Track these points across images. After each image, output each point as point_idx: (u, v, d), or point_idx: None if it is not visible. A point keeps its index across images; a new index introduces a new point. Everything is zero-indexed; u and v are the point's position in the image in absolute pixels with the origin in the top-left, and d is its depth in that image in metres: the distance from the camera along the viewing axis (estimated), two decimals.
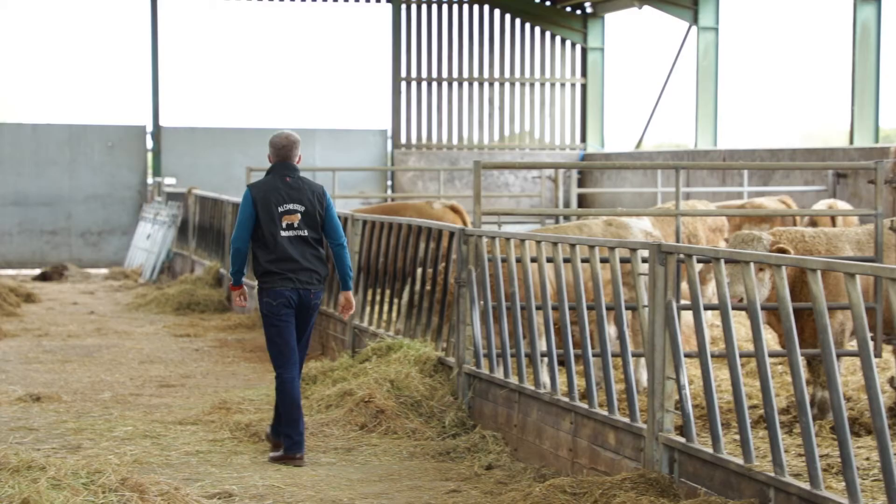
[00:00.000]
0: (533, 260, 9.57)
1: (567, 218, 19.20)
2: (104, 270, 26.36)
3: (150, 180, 28.68)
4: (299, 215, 9.59)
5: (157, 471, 8.81)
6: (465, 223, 16.16)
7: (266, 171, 9.86)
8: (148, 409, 11.36)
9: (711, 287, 9.91)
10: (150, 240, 25.32)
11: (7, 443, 9.60)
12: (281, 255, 9.51)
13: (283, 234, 9.53)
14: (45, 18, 28.97)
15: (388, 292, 12.66)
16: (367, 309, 13.07)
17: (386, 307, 12.65)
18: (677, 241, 12.27)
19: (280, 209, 9.56)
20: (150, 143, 28.84)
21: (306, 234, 9.58)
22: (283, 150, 9.79)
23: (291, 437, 9.37)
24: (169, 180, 28.10)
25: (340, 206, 24.89)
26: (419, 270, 11.82)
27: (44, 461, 7.73)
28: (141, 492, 7.45)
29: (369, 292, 13.12)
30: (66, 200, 28.39)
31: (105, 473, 7.54)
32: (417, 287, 11.78)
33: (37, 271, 26.05)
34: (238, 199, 20.03)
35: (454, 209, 16.96)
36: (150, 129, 28.82)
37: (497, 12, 30.21)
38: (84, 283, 24.03)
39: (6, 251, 28.08)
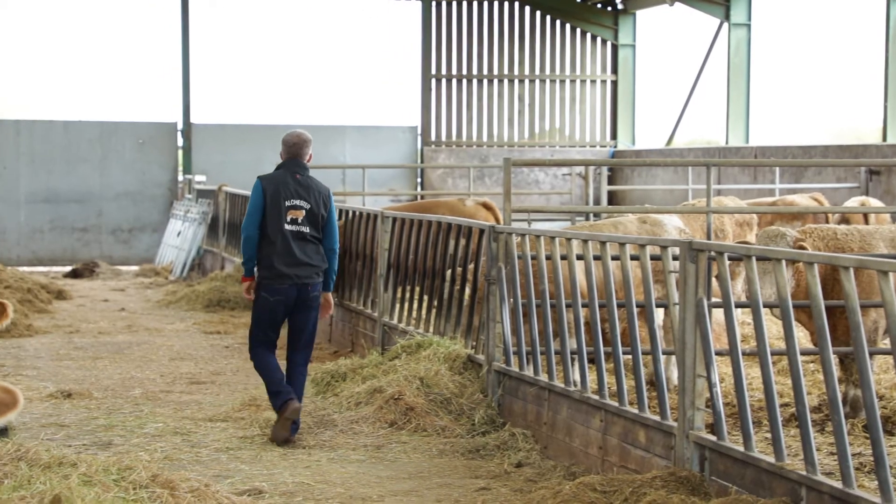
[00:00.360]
0: (563, 257, 9.54)
1: (597, 215, 19.12)
2: (135, 267, 26.46)
3: (180, 177, 28.76)
4: (304, 212, 9.92)
5: (188, 467, 8.83)
6: (497, 220, 16.09)
7: (276, 166, 10.24)
8: (178, 406, 11.38)
9: (740, 284, 9.86)
10: (180, 237, 25.39)
11: (38, 439, 9.63)
12: (283, 249, 9.84)
13: (287, 227, 9.87)
14: (77, 16, 29.09)
15: (417, 290, 12.65)
16: (397, 306, 13.06)
17: (415, 305, 12.64)
18: (708, 238, 12.23)
19: (287, 203, 9.90)
20: (180, 140, 28.92)
21: (308, 230, 9.92)
22: (294, 148, 10.21)
23: (281, 396, 9.80)
24: (199, 177, 28.19)
25: (370, 203, 24.94)
26: (448, 272, 11.80)
27: (75, 457, 7.76)
28: (171, 488, 7.47)
29: (399, 290, 13.10)
30: (97, 197, 28.49)
31: (136, 470, 7.55)
32: (447, 284, 11.76)
33: (68, 268, 26.17)
34: None
35: (486, 206, 16.90)
36: (180, 126, 28.90)
37: (527, 9, 30.16)
38: (115, 280, 24.12)
39: (38, 248, 28.21)
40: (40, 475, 7.10)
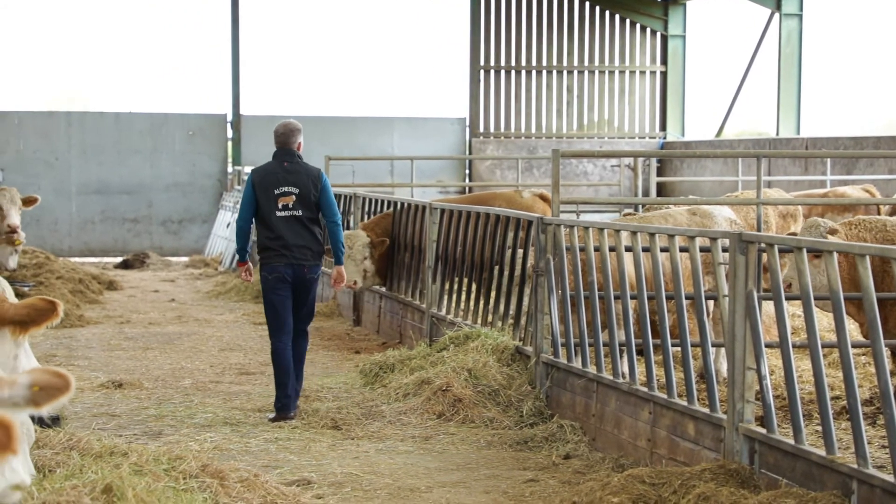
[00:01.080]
0: (612, 249, 9.51)
1: (646, 207, 19.05)
2: (184, 258, 26.61)
3: (230, 168, 28.88)
4: (294, 197, 10.58)
5: (237, 457, 8.87)
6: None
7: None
8: (228, 397, 11.44)
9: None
10: (229, 228, 25.50)
11: (90, 429, 9.70)
12: (276, 233, 10.56)
13: (279, 213, 10.58)
14: (129, 8, 29.26)
15: (465, 281, 12.64)
16: (445, 298, 13.06)
17: (464, 296, 12.63)
18: (758, 229, 12.15)
19: (276, 191, 10.58)
20: (230, 132, 29.04)
21: (300, 213, 10.59)
22: (282, 137, 10.74)
23: (280, 400, 10.46)
24: (249, 169, 28.28)
25: (418, 195, 24.94)
26: (496, 267, 11.80)
27: (126, 447, 7.81)
28: (221, 478, 7.51)
29: (447, 281, 13.11)
30: (147, 189, 28.68)
31: (186, 460, 7.60)
32: (496, 276, 11.76)
33: (118, 259, 26.36)
34: None
35: (543, 198, 16.77)
36: (230, 117, 29.02)
37: (576, 0, 30.06)
38: (165, 271, 24.27)
39: (89, 239, 28.44)
40: (92, 464, 7.16)
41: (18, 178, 26.73)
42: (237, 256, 11.06)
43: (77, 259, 25.70)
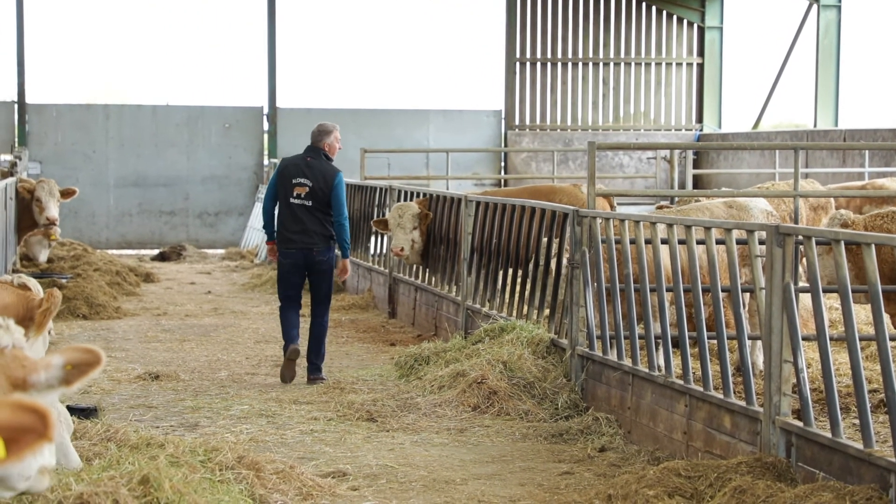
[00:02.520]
0: (647, 241, 9.48)
1: (679, 200, 18.98)
2: (221, 251, 26.71)
3: (266, 161, 28.96)
4: (307, 189, 11.80)
5: (273, 449, 8.90)
6: (612, 208, 15.87)
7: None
8: (263, 389, 11.47)
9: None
10: None
11: (127, 420, 9.76)
12: (289, 218, 11.83)
13: (292, 200, 11.82)
14: (166, 1, 29.37)
15: (501, 274, 12.63)
16: (480, 290, 13.06)
17: (499, 288, 12.63)
18: (795, 222, 12.09)
19: (294, 181, 11.83)
20: (266, 125, 29.11)
21: (310, 204, 11.78)
22: (314, 136, 12.03)
23: (287, 346, 11.80)
24: None
25: (454, 187, 24.93)
26: (533, 258, 11.78)
27: (163, 439, 7.86)
28: (257, 470, 7.54)
29: (482, 274, 13.10)
30: (183, 181, 28.79)
31: (222, 451, 7.63)
32: (532, 269, 11.74)
33: (155, 251, 26.48)
34: (352, 180, 20.17)
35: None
36: (266, 110, 29.09)
37: None
38: (201, 264, 24.37)
39: (126, 231, 28.58)
40: (129, 456, 7.20)
41: (57, 170, 26.88)
42: (266, 237, 12.30)
43: (114, 251, 25.84)
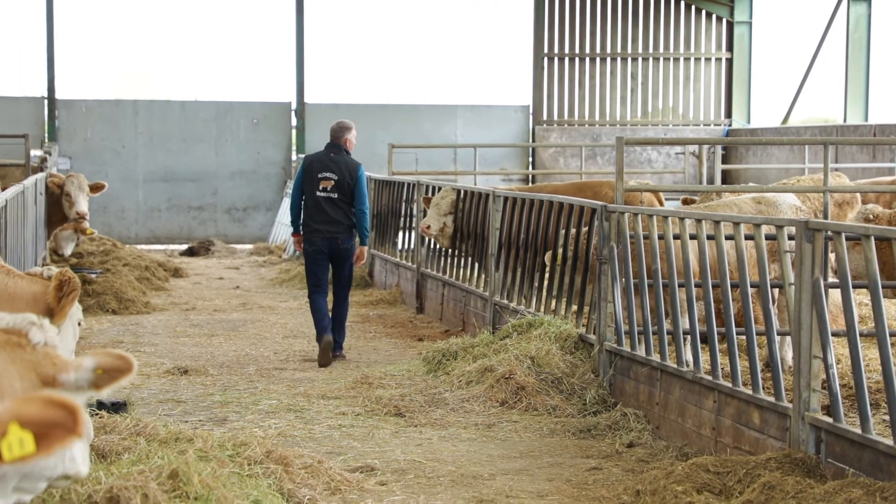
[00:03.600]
0: (676, 237, 9.46)
1: (703, 196, 18.90)
2: (249, 246, 26.76)
3: (294, 157, 28.99)
4: (333, 182, 12.78)
5: (301, 444, 8.92)
6: (661, 203, 15.77)
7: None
8: (291, 383, 11.50)
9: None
10: None
11: (156, 414, 9.80)
12: (316, 210, 12.78)
13: (319, 194, 12.79)
14: None
15: (528, 269, 12.62)
16: (508, 285, 13.05)
17: (527, 284, 12.62)
18: (825, 217, 12.04)
19: (320, 175, 12.80)
20: (294, 120, 29.15)
21: (336, 196, 12.78)
22: (333, 133, 13.07)
23: (320, 337, 12.64)
24: None
25: (481, 183, 24.91)
26: (553, 249, 11.76)
27: (191, 433, 7.88)
28: (285, 464, 7.55)
29: (510, 269, 13.09)
30: (212, 177, 28.86)
31: (250, 446, 7.65)
32: (560, 262, 11.72)
33: (184, 246, 26.55)
34: (380, 175, 20.19)
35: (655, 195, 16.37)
36: (294, 105, 29.13)
37: None
38: (229, 259, 24.43)
39: (155, 226, 28.68)
40: (158, 450, 7.22)
41: (86, 165, 27.00)
42: (292, 229, 13.26)
43: (143, 246, 25.94)
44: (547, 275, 12.01)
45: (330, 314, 12.96)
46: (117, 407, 9.56)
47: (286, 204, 26.82)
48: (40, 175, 16.85)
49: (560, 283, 11.60)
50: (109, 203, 27.67)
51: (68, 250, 19.28)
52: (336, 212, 12.78)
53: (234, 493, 6.57)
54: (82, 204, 17.12)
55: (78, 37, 28.56)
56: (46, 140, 27.23)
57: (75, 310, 7.20)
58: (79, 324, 7.22)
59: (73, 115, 28.29)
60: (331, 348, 12.63)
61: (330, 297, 13.13)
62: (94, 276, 17.15)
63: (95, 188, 17.41)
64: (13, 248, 12.09)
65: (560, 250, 11.48)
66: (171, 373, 11.91)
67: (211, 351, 13.38)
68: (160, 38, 29.18)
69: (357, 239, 12.95)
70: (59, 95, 28.21)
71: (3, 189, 14.79)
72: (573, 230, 11.34)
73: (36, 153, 20.53)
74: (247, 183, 28.77)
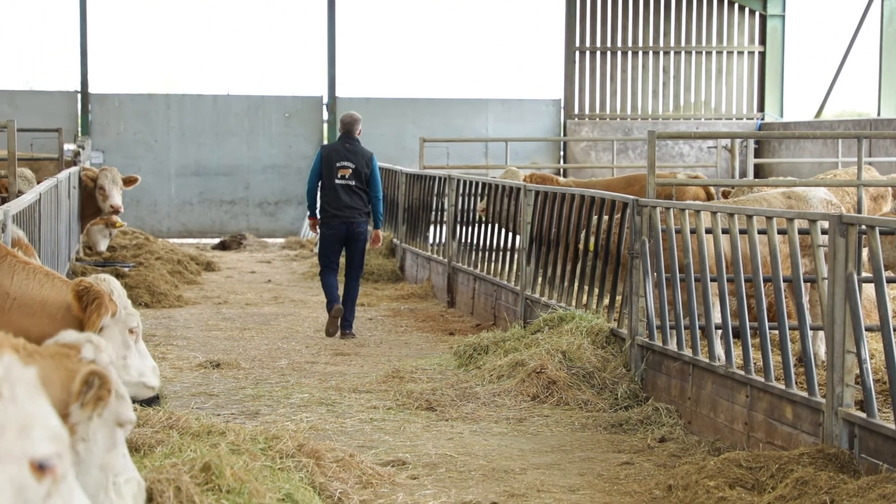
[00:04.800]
0: (708, 231, 9.42)
1: (735, 191, 18.81)
2: (281, 240, 26.83)
3: None
4: (350, 170, 13.76)
5: (333, 438, 8.94)
6: (710, 197, 15.69)
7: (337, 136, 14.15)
8: (323, 377, 11.53)
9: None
10: None
11: (189, 408, 9.84)
12: (333, 196, 13.74)
13: (337, 182, 13.77)
14: None
15: (560, 263, 12.60)
16: (539, 280, 13.03)
17: (558, 278, 12.60)
18: (858, 211, 11.97)
19: (337, 164, 13.76)
20: (325, 114, 29.19)
21: (353, 184, 13.77)
22: (346, 125, 14.03)
23: (329, 306, 13.73)
24: None
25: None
26: (585, 237, 11.74)
27: (224, 426, 7.91)
28: (317, 458, 7.57)
29: (541, 263, 13.07)
30: (244, 171, 28.92)
31: (282, 439, 7.67)
32: (591, 258, 11.70)
33: (216, 240, 26.63)
34: (411, 169, 20.20)
35: (705, 190, 16.25)
36: (326, 99, 29.17)
37: None
38: (261, 253, 24.50)
39: (187, 220, 28.77)
40: (190, 443, 7.25)
41: (119, 159, 27.10)
42: (308, 213, 14.33)
43: (175, 240, 26.02)
44: (579, 267, 11.98)
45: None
46: (150, 400, 9.60)
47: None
48: (73, 169, 16.94)
49: (591, 277, 11.59)
50: (142, 197, 27.78)
51: (103, 246, 19.38)
52: (353, 198, 13.73)
53: (266, 487, 6.59)
54: (116, 197, 17.20)
55: (111, 31, 28.68)
56: (79, 134, 27.35)
57: (123, 316, 7.09)
58: (124, 310, 7.12)
59: (106, 109, 28.42)
60: (340, 315, 13.62)
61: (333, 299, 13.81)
62: (126, 269, 17.23)
63: (129, 182, 17.50)
64: (47, 241, 12.15)
65: (592, 238, 11.46)
66: (204, 366, 11.95)
67: (243, 344, 13.42)
68: (192, 32, 29.26)
69: (371, 223, 14.06)
70: (92, 90, 28.34)
71: (38, 183, 14.87)
72: (605, 217, 11.32)
73: (69, 147, 20.62)
74: (278, 177, 28.83)
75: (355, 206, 13.77)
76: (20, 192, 13.42)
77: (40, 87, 28.46)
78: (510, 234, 14.40)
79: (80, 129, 27.99)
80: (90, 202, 17.36)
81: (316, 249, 24.35)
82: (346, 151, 13.83)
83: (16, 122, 12.11)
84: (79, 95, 28.33)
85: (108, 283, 7.10)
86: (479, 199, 15.91)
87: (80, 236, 18.18)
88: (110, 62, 28.84)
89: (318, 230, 14.00)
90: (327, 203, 13.79)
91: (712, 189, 16.06)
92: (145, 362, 7.10)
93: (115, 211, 17.37)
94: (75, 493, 2.98)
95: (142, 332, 7.17)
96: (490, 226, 15.19)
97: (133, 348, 7.08)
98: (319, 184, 13.91)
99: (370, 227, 14.20)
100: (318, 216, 13.94)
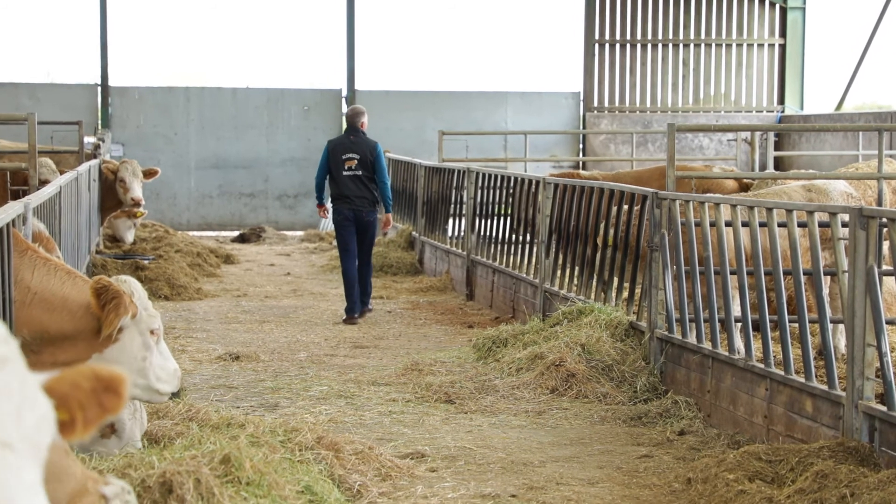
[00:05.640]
0: (728, 224, 9.40)
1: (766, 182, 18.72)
2: (300, 233, 26.85)
3: None
4: (356, 161, 14.64)
5: (351, 430, 8.95)
6: (746, 189, 15.62)
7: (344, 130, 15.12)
8: (342, 370, 11.54)
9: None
10: None
11: (208, 400, 9.86)
12: (342, 187, 14.67)
13: (345, 173, 14.66)
14: None
15: (579, 256, 12.59)
16: (559, 273, 13.02)
17: (577, 271, 12.58)
18: (879, 204, 11.93)
19: (343, 156, 14.67)
20: (344, 107, 29.18)
21: (360, 173, 14.66)
22: (350, 119, 14.97)
23: (348, 304, 14.58)
24: None
25: (532, 169, 24.87)
26: (605, 230, 11.72)
27: (243, 419, 7.93)
28: (336, 450, 7.58)
29: (560, 256, 13.06)
30: (263, 163, 28.96)
31: (301, 432, 7.69)
32: (610, 251, 11.68)
33: (235, 233, 26.68)
34: (430, 162, 20.20)
35: (739, 182, 16.14)
36: (345, 92, 29.18)
37: None
38: (280, 245, 24.53)
39: (207, 213, 28.82)
40: (210, 435, 7.27)
41: (138, 152, 27.16)
42: (317, 202, 15.51)
43: (195, 233, 26.07)
44: (598, 261, 11.97)
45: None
46: (174, 393, 9.62)
47: None
48: (94, 162, 16.98)
49: (611, 270, 11.57)
50: (162, 190, 27.84)
51: (130, 237, 19.43)
52: (360, 187, 14.65)
53: (286, 479, 6.60)
54: (137, 190, 17.25)
55: (131, 24, 28.73)
56: (100, 127, 27.43)
57: (144, 318, 7.08)
58: (152, 332, 7.10)
59: (126, 102, 28.48)
60: (354, 322, 14.36)
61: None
62: (146, 262, 17.28)
63: (149, 174, 17.54)
64: (67, 233, 12.18)
65: (612, 231, 11.44)
66: (223, 359, 11.98)
67: (262, 337, 13.44)
68: (212, 26, 29.30)
69: (381, 210, 14.98)
70: (112, 83, 28.41)
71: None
72: (625, 207, 11.30)
73: (89, 140, 20.68)
74: (298, 170, 28.85)
75: (363, 195, 14.64)
76: (46, 182, 13.49)
77: (61, 80, 28.55)
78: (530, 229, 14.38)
79: (100, 121, 28.06)
80: (110, 194, 17.40)
81: (335, 242, 24.48)
82: (350, 143, 14.74)
83: (36, 115, 12.12)
84: (99, 88, 28.40)
85: (129, 285, 7.10)
86: (497, 191, 15.88)
87: (100, 229, 18.22)
88: (130, 55, 28.90)
89: (331, 218, 14.96)
90: (338, 193, 14.69)
91: (746, 181, 15.99)
92: (166, 364, 7.11)
93: (136, 203, 17.42)
94: None
95: (162, 329, 7.18)
96: (512, 221, 15.17)
97: (154, 350, 7.08)
98: (328, 177, 14.85)
99: (380, 215, 15.09)
100: (329, 204, 15.01)
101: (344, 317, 14.55)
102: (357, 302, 14.57)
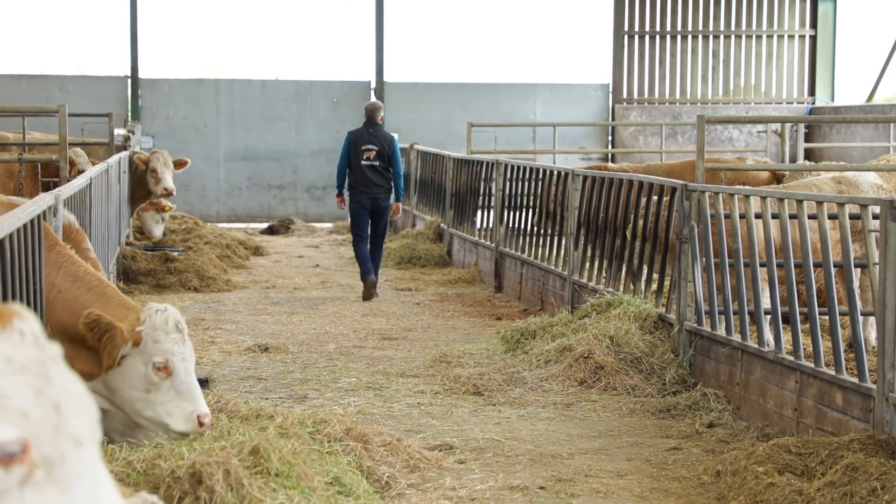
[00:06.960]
0: (757, 216, 9.37)
1: (788, 177, 18.65)
2: (328, 224, 26.90)
3: None
4: (374, 152, 15.76)
5: (380, 422, 8.96)
6: (778, 180, 15.57)
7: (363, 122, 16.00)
8: (370, 362, 11.55)
9: None
10: None
11: (238, 391, 9.88)
12: (361, 176, 15.78)
13: (363, 162, 15.77)
14: None
15: (608, 248, 12.57)
16: (587, 265, 13.00)
17: (606, 263, 12.56)
18: None
19: (363, 147, 15.76)
20: (373, 99, 29.19)
21: (377, 164, 15.78)
22: (369, 113, 16.01)
23: (363, 278, 15.64)
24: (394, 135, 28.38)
25: (560, 161, 24.82)
26: (633, 221, 11.69)
27: (272, 410, 7.94)
28: (365, 442, 7.59)
29: (589, 248, 13.03)
30: (292, 155, 29.01)
31: (330, 423, 7.69)
32: (639, 243, 11.66)
33: (264, 225, 26.75)
34: (459, 154, 20.19)
35: (773, 174, 16.06)
36: (374, 84, 29.19)
37: None
38: (309, 237, 24.58)
39: (236, 205, 28.90)
40: (239, 426, 7.29)
41: (168, 144, 27.24)
42: (337, 192, 16.26)
43: (224, 224, 26.16)
44: (627, 253, 11.94)
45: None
46: (200, 383, 9.66)
47: None
48: (124, 153, 17.04)
49: (640, 262, 11.55)
50: (191, 181, 27.93)
51: (158, 232, 19.51)
52: (377, 177, 15.76)
53: (315, 470, 6.61)
54: (168, 180, 17.32)
55: (161, 16, 28.81)
56: (129, 119, 27.52)
57: (150, 348, 6.94)
58: (163, 368, 7.05)
59: (156, 94, 28.58)
60: (373, 286, 15.53)
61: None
62: (176, 254, 17.34)
63: (179, 164, 17.60)
64: (97, 225, 12.23)
65: (640, 222, 11.41)
66: (252, 350, 12.01)
67: (291, 329, 13.47)
68: (241, 18, 29.34)
69: (392, 197, 15.95)
70: (142, 75, 28.51)
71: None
72: (654, 199, 11.27)
73: (119, 132, 20.75)
74: (326, 162, 28.88)
75: (380, 183, 15.79)
76: (81, 171, 13.51)
77: (91, 73, 28.65)
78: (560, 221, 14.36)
79: (129, 113, 28.16)
80: (140, 186, 17.47)
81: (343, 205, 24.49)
82: (369, 136, 15.83)
83: (67, 107, 12.18)
84: (129, 80, 28.50)
85: (168, 314, 7.04)
86: (526, 183, 15.87)
87: (130, 220, 18.29)
88: (160, 47, 28.98)
89: (348, 205, 16.09)
90: (356, 181, 15.82)
91: (780, 173, 15.92)
92: (181, 405, 7.06)
93: (169, 193, 17.48)
94: None
95: (190, 315, 7.17)
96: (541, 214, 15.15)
97: (162, 385, 7.01)
98: (348, 167, 15.91)
99: (392, 202, 16.03)
100: (347, 193, 16.00)
101: (363, 287, 15.65)
102: (370, 266, 15.67)
